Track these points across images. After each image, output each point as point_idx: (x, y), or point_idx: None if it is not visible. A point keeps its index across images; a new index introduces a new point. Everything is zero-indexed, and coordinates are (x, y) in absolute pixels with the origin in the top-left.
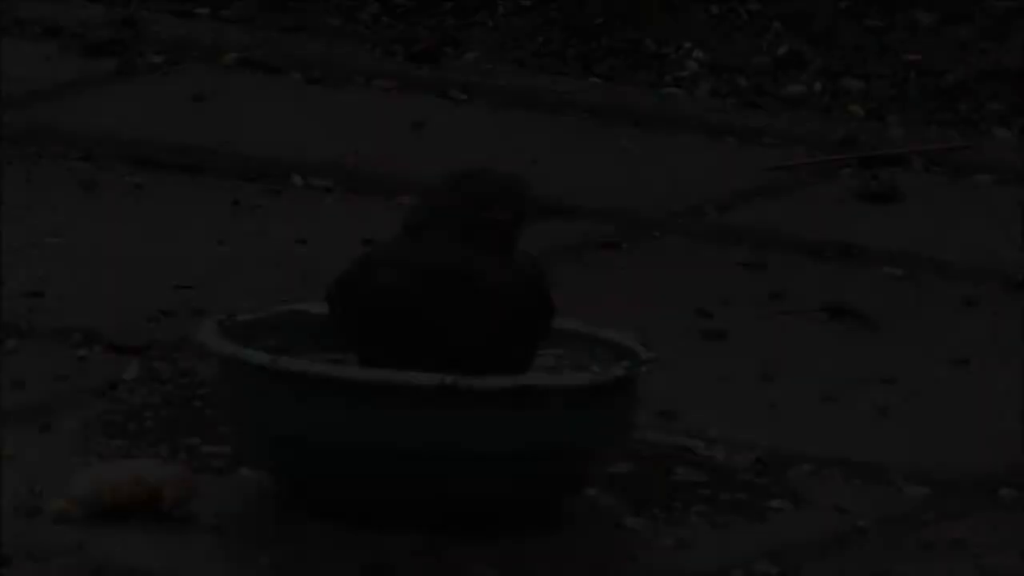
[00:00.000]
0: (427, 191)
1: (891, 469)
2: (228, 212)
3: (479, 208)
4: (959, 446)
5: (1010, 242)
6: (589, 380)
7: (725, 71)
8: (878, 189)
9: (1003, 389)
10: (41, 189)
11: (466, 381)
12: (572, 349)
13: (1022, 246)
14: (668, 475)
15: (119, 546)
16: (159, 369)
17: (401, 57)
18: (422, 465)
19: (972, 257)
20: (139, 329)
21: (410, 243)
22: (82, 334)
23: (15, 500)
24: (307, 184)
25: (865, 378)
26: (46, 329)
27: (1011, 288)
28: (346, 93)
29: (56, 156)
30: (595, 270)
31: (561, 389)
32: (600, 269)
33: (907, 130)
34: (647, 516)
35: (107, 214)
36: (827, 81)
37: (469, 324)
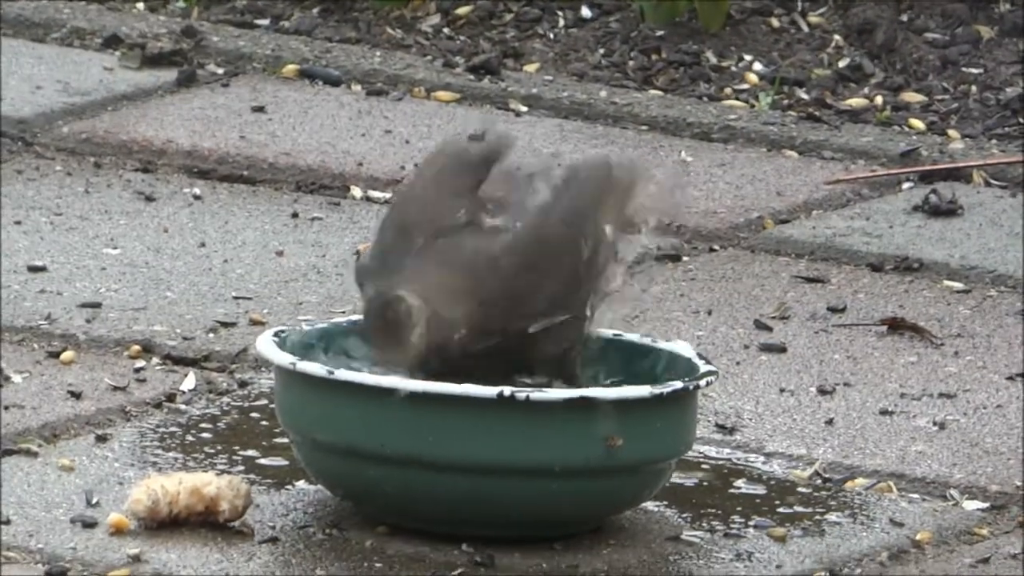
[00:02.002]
0: None
1: (949, 483)
2: (287, 224)
3: None
4: (1017, 460)
5: None
6: (648, 393)
7: (785, 84)
8: (938, 203)
9: None
10: (99, 200)
11: (524, 392)
12: (632, 361)
13: None
14: (727, 488)
15: (176, 558)
16: (217, 381)
17: (462, 69)
18: (479, 476)
19: None
20: (197, 340)
21: None
22: (139, 345)
23: (71, 512)
24: (366, 196)
25: (924, 392)
26: (103, 340)
27: None
28: (406, 105)
29: (115, 167)
30: (655, 283)
31: (621, 401)
32: (660, 282)
33: (968, 144)
34: (705, 529)
35: (165, 225)
36: (888, 94)
37: None
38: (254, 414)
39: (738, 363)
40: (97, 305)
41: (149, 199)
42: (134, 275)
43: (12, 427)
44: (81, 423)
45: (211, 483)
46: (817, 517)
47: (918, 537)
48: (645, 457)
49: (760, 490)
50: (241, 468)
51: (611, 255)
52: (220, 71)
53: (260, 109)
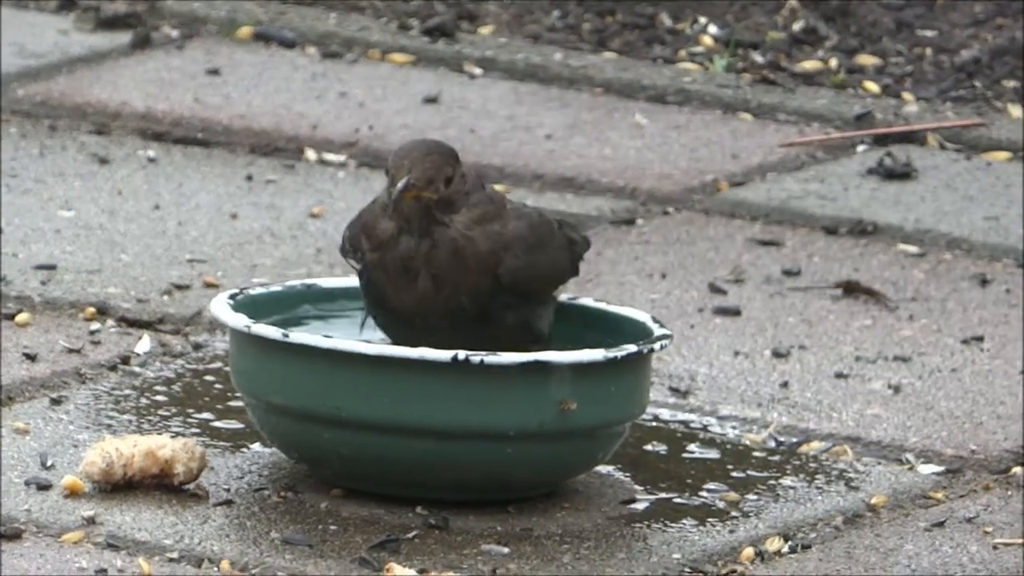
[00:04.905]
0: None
1: (904, 447)
2: (242, 186)
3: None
4: (972, 424)
5: None
6: (603, 356)
7: (740, 47)
8: (893, 166)
9: (1017, 367)
10: (54, 162)
11: (478, 356)
12: (586, 325)
13: None
14: (680, 452)
15: (130, 520)
16: (171, 343)
17: (416, 32)
18: (434, 439)
19: (987, 235)
20: (152, 303)
21: None
22: (94, 308)
23: (26, 474)
24: (320, 159)
25: (879, 355)
26: (58, 302)
27: None
28: (361, 67)
29: (70, 129)
30: (609, 246)
31: (575, 365)
32: (614, 245)
33: (922, 107)
34: (659, 493)
35: (120, 188)
36: (843, 57)
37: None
38: (208, 377)
39: (692, 326)
40: (52, 267)
41: (104, 162)
42: (89, 237)
43: None
44: (36, 386)
45: (166, 446)
46: (771, 481)
47: (873, 501)
48: (599, 421)
49: (714, 454)
50: (196, 431)
51: None
52: (175, 34)
53: (215, 72)
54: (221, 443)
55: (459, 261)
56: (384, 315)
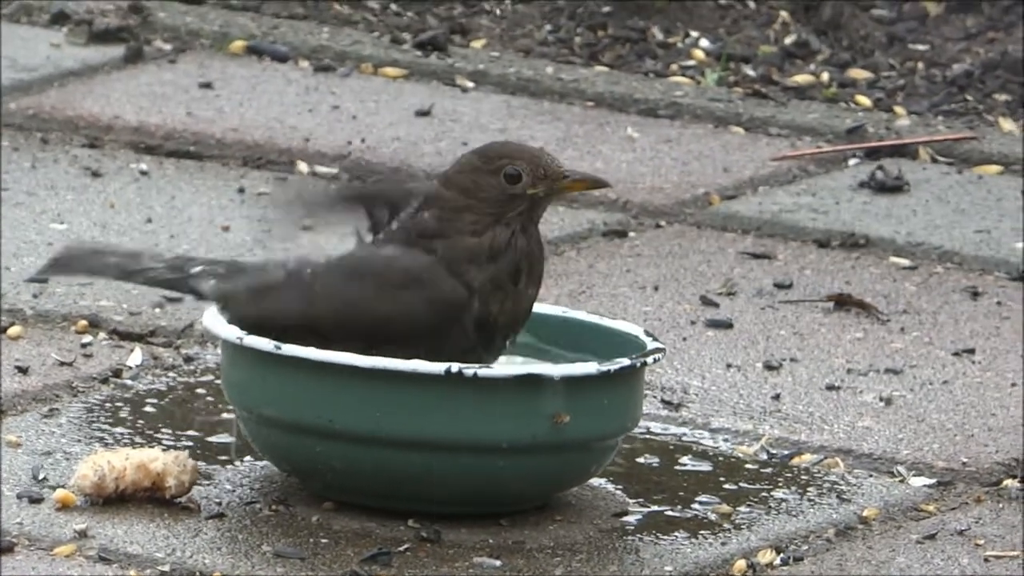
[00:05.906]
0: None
1: (896, 460)
2: (234, 199)
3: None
4: (963, 437)
5: (1016, 233)
6: (596, 370)
7: (732, 60)
8: (884, 180)
9: (1008, 380)
10: (46, 175)
11: (471, 369)
12: (578, 338)
13: None
14: (673, 465)
15: (122, 533)
16: (163, 356)
17: (409, 45)
18: (427, 452)
19: (978, 248)
20: (143, 316)
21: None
22: (86, 320)
23: (18, 487)
24: (313, 171)
25: (870, 368)
26: (50, 315)
27: (1016, 279)
28: (353, 81)
29: (62, 143)
30: (601, 259)
31: (568, 378)
32: (606, 258)
33: (914, 120)
34: (651, 505)
35: (112, 201)
36: (835, 71)
37: None
38: (200, 389)
39: (684, 339)
40: (44, 280)
41: (96, 175)
42: None
43: None
44: (28, 398)
45: (157, 459)
46: (763, 493)
47: (865, 513)
48: (592, 434)
49: (706, 466)
50: (187, 443)
51: None
52: (167, 47)
53: (207, 85)
54: (213, 456)
55: (542, 253)
56: (476, 342)
